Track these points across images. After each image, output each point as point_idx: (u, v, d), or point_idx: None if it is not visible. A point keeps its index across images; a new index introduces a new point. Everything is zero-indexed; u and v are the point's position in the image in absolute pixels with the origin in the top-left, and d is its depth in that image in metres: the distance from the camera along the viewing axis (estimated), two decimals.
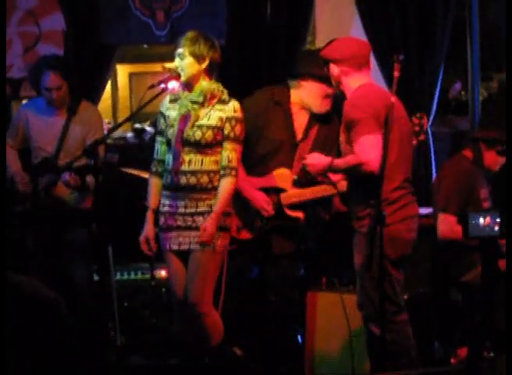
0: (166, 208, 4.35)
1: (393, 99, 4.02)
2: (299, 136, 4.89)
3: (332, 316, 4.76)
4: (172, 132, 4.32)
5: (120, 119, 7.82)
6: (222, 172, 4.28)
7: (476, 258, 4.61)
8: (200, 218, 4.27)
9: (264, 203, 4.80)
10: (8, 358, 2.05)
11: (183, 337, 4.48)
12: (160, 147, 4.43)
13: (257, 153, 4.85)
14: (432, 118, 6.04)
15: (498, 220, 4.03)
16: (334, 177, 4.70)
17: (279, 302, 4.91)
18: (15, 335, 2.08)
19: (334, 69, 4.25)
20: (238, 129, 4.30)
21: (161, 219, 4.37)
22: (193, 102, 4.30)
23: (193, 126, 4.27)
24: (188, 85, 4.32)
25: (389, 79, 5.63)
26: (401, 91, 4.17)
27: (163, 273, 5.40)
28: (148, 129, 6.65)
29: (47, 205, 5.02)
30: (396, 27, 6.01)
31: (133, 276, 5.63)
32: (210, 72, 4.32)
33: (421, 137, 4.50)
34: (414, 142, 4.44)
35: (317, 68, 4.57)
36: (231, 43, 5.97)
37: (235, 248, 4.58)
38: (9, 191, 5.03)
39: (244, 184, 4.74)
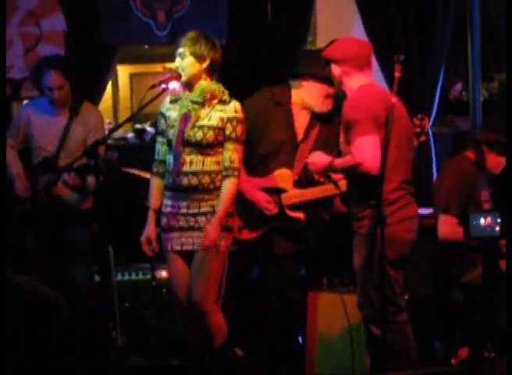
0: (168, 209, 4.34)
1: (394, 100, 4.02)
2: (300, 136, 4.88)
3: (333, 317, 4.76)
4: (172, 132, 4.31)
5: (121, 120, 7.79)
6: (224, 173, 4.28)
7: (477, 258, 4.60)
8: (203, 218, 4.27)
9: (265, 203, 4.79)
10: (8, 358, 2.04)
11: (185, 338, 4.48)
12: (161, 147, 4.43)
13: (258, 153, 4.84)
14: (432, 118, 6.04)
15: (499, 221, 4.03)
16: (335, 177, 4.70)
17: (280, 303, 4.90)
18: (15, 335, 2.08)
19: (335, 70, 4.25)
20: (239, 129, 4.30)
21: (163, 220, 4.37)
22: (194, 102, 4.30)
23: (193, 126, 4.27)
24: (189, 85, 4.32)
25: (389, 79, 5.62)
26: (402, 90, 4.16)
27: (164, 273, 5.39)
28: (149, 129, 6.65)
29: (47, 204, 5.01)
30: (396, 27, 6.01)
31: (133, 276, 5.62)
32: (211, 72, 4.32)
33: (422, 139, 4.50)
34: (415, 143, 4.44)
35: (318, 68, 4.57)
36: (232, 43, 5.96)
37: (236, 249, 4.58)
38: (9, 191, 5.03)
39: (246, 185, 4.74)
